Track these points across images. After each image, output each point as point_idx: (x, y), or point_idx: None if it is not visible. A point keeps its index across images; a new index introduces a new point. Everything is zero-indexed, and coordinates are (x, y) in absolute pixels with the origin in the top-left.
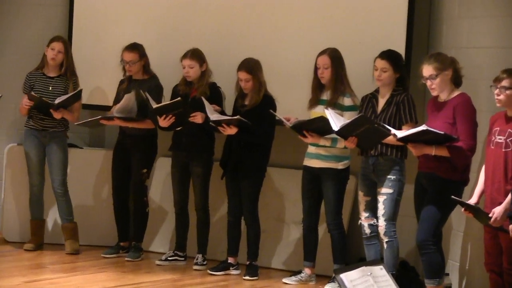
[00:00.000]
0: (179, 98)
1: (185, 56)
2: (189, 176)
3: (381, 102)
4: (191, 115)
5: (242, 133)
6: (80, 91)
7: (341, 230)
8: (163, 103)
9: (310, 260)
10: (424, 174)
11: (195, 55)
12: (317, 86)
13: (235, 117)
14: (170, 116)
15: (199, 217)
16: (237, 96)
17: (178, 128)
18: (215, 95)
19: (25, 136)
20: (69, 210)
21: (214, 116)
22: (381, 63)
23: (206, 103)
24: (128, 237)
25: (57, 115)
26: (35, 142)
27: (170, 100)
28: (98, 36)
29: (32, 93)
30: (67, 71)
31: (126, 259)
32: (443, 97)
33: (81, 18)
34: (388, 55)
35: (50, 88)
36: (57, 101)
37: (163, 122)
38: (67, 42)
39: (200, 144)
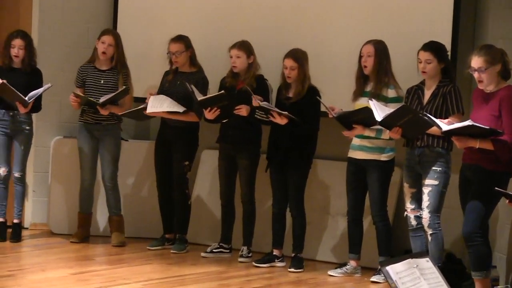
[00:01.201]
0: (222, 91)
1: (233, 46)
2: (236, 169)
3: (427, 93)
4: (236, 108)
5: (290, 125)
6: (126, 89)
7: (386, 222)
8: (208, 96)
9: (355, 252)
10: (468, 166)
11: (243, 46)
12: (361, 77)
13: (284, 112)
14: (215, 108)
15: (245, 209)
16: (281, 86)
17: (224, 121)
18: (262, 88)
19: (78, 131)
20: (117, 203)
21: (264, 103)
22: (425, 55)
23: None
24: (173, 229)
25: (104, 112)
26: (88, 137)
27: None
28: (142, 28)
29: (78, 92)
30: (118, 64)
31: (171, 251)
32: (489, 88)
33: (126, 10)
34: (431, 46)
35: (102, 81)
36: (101, 100)
37: (209, 114)
38: (118, 35)
39: (247, 136)
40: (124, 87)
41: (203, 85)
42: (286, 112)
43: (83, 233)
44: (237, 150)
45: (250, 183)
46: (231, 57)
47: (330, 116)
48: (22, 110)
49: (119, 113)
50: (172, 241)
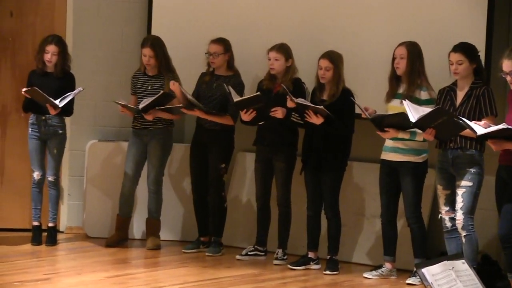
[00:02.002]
0: (258, 93)
1: (272, 48)
2: (272, 171)
3: (460, 95)
4: (272, 110)
5: (325, 125)
6: (165, 93)
7: (421, 223)
8: (244, 97)
9: (390, 255)
10: (504, 167)
11: (282, 48)
12: (394, 78)
13: (320, 107)
14: (251, 110)
15: (280, 212)
16: (315, 88)
17: (260, 123)
18: (299, 91)
19: (130, 136)
20: (157, 207)
21: (300, 99)
22: (456, 56)
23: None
24: (208, 232)
25: (148, 117)
26: (136, 142)
27: None
28: (176, 32)
29: (120, 100)
30: (163, 70)
31: (206, 254)
32: None
33: (160, 14)
34: (462, 47)
35: (149, 87)
36: (141, 105)
37: (245, 116)
38: (157, 44)
39: (284, 139)
40: (161, 91)
41: (239, 90)
42: (322, 107)
43: (120, 236)
44: (274, 153)
45: (286, 186)
46: (269, 59)
47: (364, 116)
48: (52, 111)
49: (167, 116)
50: (207, 244)
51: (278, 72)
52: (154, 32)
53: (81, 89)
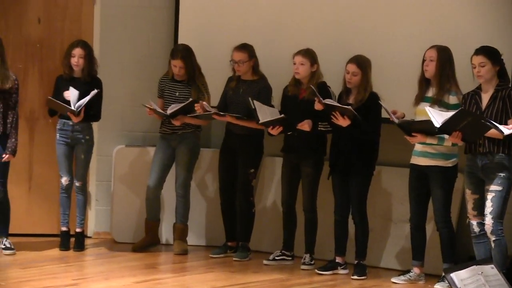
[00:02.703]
0: (283, 116)
1: (298, 53)
2: (299, 176)
3: (485, 98)
4: (299, 124)
5: (352, 128)
6: (192, 101)
7: (450, 228)
8: (268, 120)
9: (418, 259)
10: None
11: (308, 53)
12: (423, 81)
13: (348, 107)
14: (278, 126)
15: (307, 217)
16: (341, 92)
17: (289, 133)
18: (325, 94)
19: (158, 141)
20: (185, 212)
21: (327, 100)
22: (478, 59)
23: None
24: (235, 237)
25: (176, 122)
26: (163, 146)
27: (281, 102)
28: (203, 37)
29: (149, 103)
30: (191, 77)
31: (234, 259)
32: None
33: (186, 20)
34: (483, 50)
35: (177, 93)
36: (169, 111)
37: (272, 131)
38: (186, 54)
39: (311, 145)
40: (190, 99)
41: (266, 94)
42: (349, 107)
43: (148, 240)
44: (301, 158)
45: (312, 192)
46: (294, 63)
47: (391, 119)
48: (74, 119)
49: (194, 121)
50: (234, 249)
51: (303, 77)
52: (181, 36)
53: (96, 91)
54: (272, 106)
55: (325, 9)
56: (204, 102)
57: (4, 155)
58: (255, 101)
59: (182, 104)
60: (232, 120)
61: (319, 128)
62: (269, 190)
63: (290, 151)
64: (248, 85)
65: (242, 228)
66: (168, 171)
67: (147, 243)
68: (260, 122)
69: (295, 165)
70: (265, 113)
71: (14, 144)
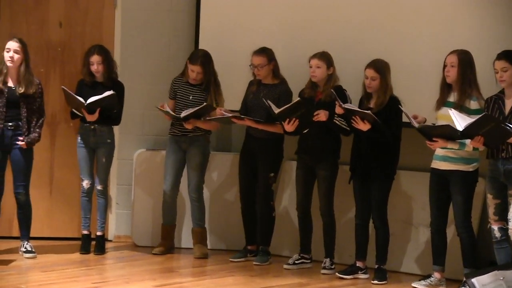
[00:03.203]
0: (299, 99)
1: (314, 56)
2: (313, 179)
3: (508, 103)
4: (314, 114)
5: (372, 132)
6: (208, 105)
7: (471, 233)
8: (284, 107)
9: (439, 264)
10: None
11: (324, 56)
12: (444, 86)
13: (367, 112)
14: (294, 119)
15: (324, 221)
16: (362, 97)
17: (305, 131)
18: (341, 97)
19: (168, 143)
20: (201, 215)
21: (347, 104)
22: (500, 64)
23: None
24: (255, 241)
25: (188, 126)
26: (174, 148)
27: None
28: (224, 41)
29: (166, 105)
30: (207, 82)
31: (254, 263)
32: None
33: (207, 24)
34: (505, 54)
35: (191, 97)
36: (183, 114)
37: (288, 126)
38: (206, 60)
39: (326, 147)
40: (205, 103)
41: (286, 97)
42: (369, 112)
43: (167, 244)
44: (316, 161)
45: (328, 195)
46: (310, 67)
47: (411, 124)
48: (88, 118)
49: (205, 126)
50: (254, 253)
51: (319, 80)
52: (201, 40)
53: (111, 92)
54: None
55: (342, 14)
56: (222, 108)
57: (21, 141)
58: (269, 101)
59: (197, 108)
60: (252, 124)
61: (335, 121)
62: (288, 194)
63: (304, 153)
64: (268, 89)
65: (262, 232)
66: (181, 173)
67: (166, 247)
68: (277, 112)
69: (310, 168)
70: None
71: (34, 138)
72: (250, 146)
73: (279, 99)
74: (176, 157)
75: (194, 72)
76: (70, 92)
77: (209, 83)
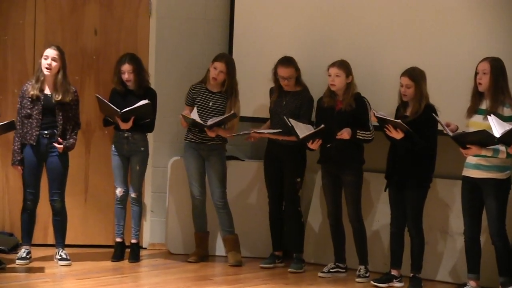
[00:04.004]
0: (322, 126)
1: (333, 64)
2: (340, 187)
3: None
4: (338, 133)
5: (406, 140)
6: (233, 114)
7: (505, 241)
8: (307, 134)
9: (474, 272)
10: None
11: (343, 65)
12: (476, 94)
13: (398, 121)
14: (317, 140)
15: (354, 228)
16: (399, 106)
17: (328, 145)
18: (361, 105)
19: (185, 149)
20: (229, 222)
21: (380, 113)
22: None
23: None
24: (282, 246)
25: (211, 134)
26: (194, 155)
27: (316, 114)
28: (258, 50)
29: (185, 113)
30: (228, 88)
31: (289, 270)
32: None
33: (241, 32)
34: None
35: (210, 103)
36: (209, 122)
37: (312, 146)
38: (231, 61)
39: (350, 154)
40: (232, 112)
41: (308, 105)
42: (399, 121)
43: (200, 252)
44: (341, 169)
45: (356, 201)
46: (329, 75)
47: (445, 132)
48: (122, 126)
49: (227, 136)
50: (281, 259)
51: (339, 89)
52: (235, 48)
53: (146, 101)
54: (311, 122)
55: (365, 21)
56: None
57: (59, 144)
58: (290, 119)
59: (224, 116)
60: (271, 136)
61: (358, 137)
62: (319, 201)
63: (328, 162)
64: (291, 96)
65: (294, 239)
66: (205, 179)
67: (200, 255)
68: (300, 137)
69: (335, 176)
70: (302, 129)
71: (71, 144)
72: (274, 152)
73: (301, 106)
74: (197, 163)
75: (217, 69)
76: (105, 100)
77: (231, 88)
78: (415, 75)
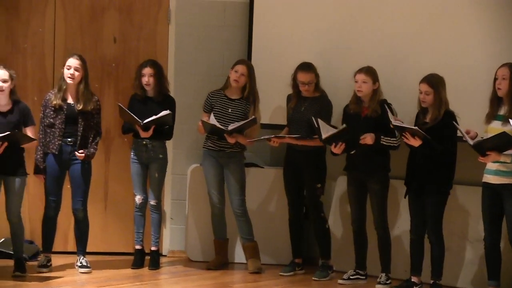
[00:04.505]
0: (345, 126)
1: (360, 71)
2: (366, 194)
3: None
4: (361, 137)
5: (425, 147)
6: (254, 119)
7: None
8: (331, 133)
9: (494, 279)
10: None
11: (370, 71)
12: (495, 99)
13: (415, 128)
14: (340, 143)
15: (379, 235)
16: (418, 112)
17: (352, 152)
18: (386, 112)
19: (203, 157)
20: (249, 229)
21: (397, 121)
22: None
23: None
24: (302, 254)
25: (231, 140)
26: (213, 162)
27: (342, 121)
28: (277, 56)
29: (204, 119)
30: (249, 95)
31: (313, 278)
32: None
33: (260, 39)
34: None
35: (230, 110)
36: (230, 127)
37: (335, 149)
38: (251, 66)
39: (376, 161)
40: (253, 117)
41: (327, 111)
42: (416, 128)
43: (220, 259)
44: (367, 176)
45: (382, 208)
46: (356, 81)
47: (464, 139)
48: (142, 134)
49: (246, 143)
50: (301, 266)
51: (365, 95)
52: (254, 55)
53: (168, 112)
54: (334, 127)
55: (387, 28)
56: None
57: (81, 153)
58: (318, 120)
59: (244, 121)
60: (292, 141)
61: (382, 142)
62: (341, 208)
63: (354, 169)
64: (309, 102)
65: (320, 246)
66: (224, 186)
67: (220, 262)
68: (323, 137)
69: (361, 183)
70: (328, 131)
71: (91, 153)
72: (294, 159)
73: (320, 112)
74: (216, 171)
75: (238, 72)
76: (126, 110)
77: (252, 94)
78: (434, 82)
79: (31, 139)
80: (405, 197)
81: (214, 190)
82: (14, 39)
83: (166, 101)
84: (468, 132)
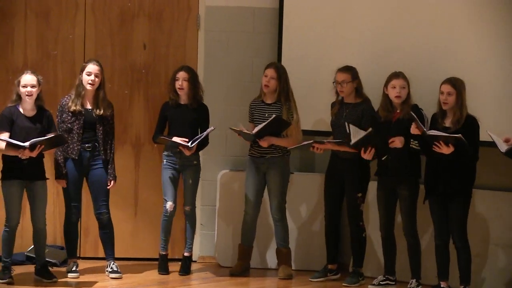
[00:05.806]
0: (370, 130)
1: (397, 76)
2: (395, 200)
3: None
4: (390, 141)
5: (455, 153)
6: (276, 118)
7: None
8: (358, 139)
9: None
10: None
11: (405, 76)
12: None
13: (458, 135)
14: (370, 148)
15: (408, 241)
16: (435, 115)
17: (384, 157)
18: (418, 116)
19: (247, 165)
20: (285, 235)
21: (432, 131)
22: None
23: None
24: (336, 260)
25: (263, 144)
26: (253, 170)
27: (369, 126)
28: (306, 62)
29: (240, 127)
30: (281, 96)
31: (343, 284)
32: None
33: (289, 45)
34: None
35: (266, 114)
36: (254, 130)
37: (365, 155)
38: (281, 68)
39: (407, 167)
40: (274, 115)
41: (369, 116)
42: (459, 135)
43: (242, 265)
44: (398, 182)
45: (411, 215)
46: (394, 87)
47: (498, 146)
48: (187, 153)
49: (285, 145)
50: (334, 272)
51: (403, 100)
52: (284, 62)
53: (213, 128)
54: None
55: (417, 34)
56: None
57: (109, 182)
58: (351, 125)
59: (266, 122)
60: (333, 147)
61: (411, 146)
62: (371, 214)
63: (385, 174)
64: (351, 107)
65: (354, 254)
66: (262, 194)
67: (243, 267)
68: (352, 143)
69: (391, 188)
70: (357, 136)
71: (115, 170)
72: (337, 167)
73: (362, 117)
74: (255, 179)
75: (268, 76)
76: (170, 140)
77: (285, 96)
78: (456, 83)
79: (67, 142)
80: (424, 202)
81: (250, 197)
82: (44, 45)
83: (199, 108)
84: (508, 140)
